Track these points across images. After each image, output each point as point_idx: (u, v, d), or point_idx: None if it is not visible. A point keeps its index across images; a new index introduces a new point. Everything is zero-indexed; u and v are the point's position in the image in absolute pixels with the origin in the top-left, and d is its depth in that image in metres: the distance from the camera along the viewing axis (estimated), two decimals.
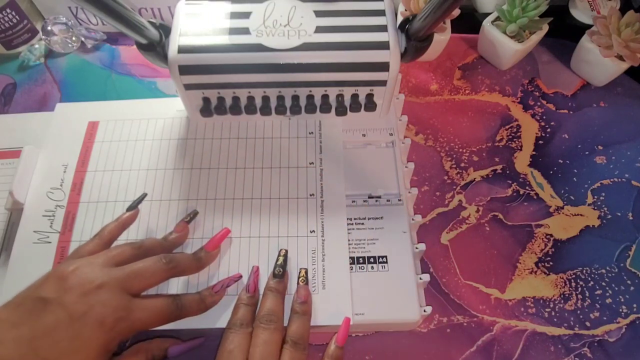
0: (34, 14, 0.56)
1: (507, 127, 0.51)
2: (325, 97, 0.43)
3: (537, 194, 0.47)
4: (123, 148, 0.45)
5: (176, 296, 0.35)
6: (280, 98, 0.43)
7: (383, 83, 0.41)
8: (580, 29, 0.51)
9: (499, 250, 0.44)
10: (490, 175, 0.48)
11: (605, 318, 0.41)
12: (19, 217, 0.42)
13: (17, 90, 0.54)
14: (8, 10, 0.52)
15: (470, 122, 0.51)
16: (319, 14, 0.41)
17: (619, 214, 0.46)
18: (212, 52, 0.39)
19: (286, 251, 0.39)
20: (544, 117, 0.51)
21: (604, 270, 0.43)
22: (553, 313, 0.41)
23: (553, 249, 0.44)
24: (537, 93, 0.53)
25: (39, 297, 0.30)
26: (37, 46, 0.56)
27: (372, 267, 0.40)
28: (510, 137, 0.50)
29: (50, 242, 0.41)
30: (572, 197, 0.47)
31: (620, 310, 0.41)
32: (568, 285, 0.42)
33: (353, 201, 0.43)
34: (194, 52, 0.39)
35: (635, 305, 0.41)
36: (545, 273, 0.43)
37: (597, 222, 0.45)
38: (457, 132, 0.50)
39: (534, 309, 0.41)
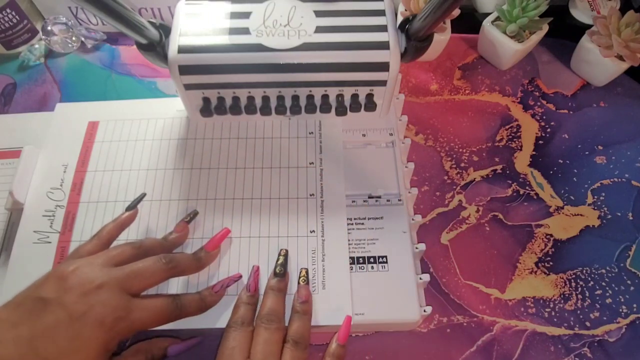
0: (34, 14, 0.56)
1: (507, 127, 0.51)
2: (325, 97, 0.43)
3: (537, 194, 0.47)
4: (123, 148, 0.45)
5: (176, 296, 0.35)
6: (280, 98, 0.43)
7: (383, 83, 0.41)
8: (580, 29, 0.51)
9: (499, 250, 0.44)
10: (490, 175, 0.48)
11: (605, 318, 0.41)
12: (19, 217, 0.42)
13: (17, 90, 0.54)
14: (8, 10, 0.52)
15: (470, 122, 0.51)
16: (319, 14, 0.41)
17: (619, 214, 0.46)
18: (212, 52, 0.39)
19: (287, 251, 0.39)
20: (544, 117, 0.51)
21: (604, 270, 0.43)
22: (553, 313, 0.41)
23: (553, 249, 0.44)
24: (537, 93, 0.53)
25: (38, 297, 0.30)
26: (37, 46, 0.56)
27: (372, 267, 0.40)
28: (510, 137, 0.50)
29: (50, 242, 0.41)
30: (572, 197, 0.47)
31: (620, 310, 0.41)
32: (568, 285, 0.42)
33: (353, 201, 0.43)
34: (194, 52, 0.39)
35: (635, 305, 0.41)
36: (545, 273, 0.43)
37: (597, 222, 0.45)
38: (457, 132, 0.50)
39: (534, 309, 0.41)
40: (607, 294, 0.42)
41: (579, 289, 0.42)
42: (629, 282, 0.42)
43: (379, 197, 0.43)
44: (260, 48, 0.39)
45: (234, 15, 0.41)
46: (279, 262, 0.38)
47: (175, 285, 0.38)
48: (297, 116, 0.46)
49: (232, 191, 0.43)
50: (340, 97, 0.43)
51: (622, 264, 0.43)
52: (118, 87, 0.54)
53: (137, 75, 0.55)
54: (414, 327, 0.40)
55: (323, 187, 0.43)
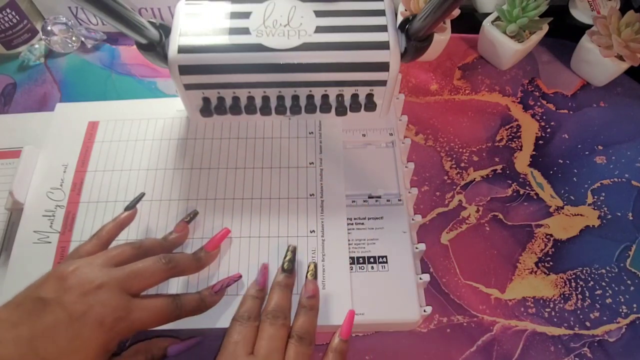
0: (34, 14, 0.56)
1: (507, 127, 0.51)
2: (325, 97, 0.43)
3: (537, 194, 0.47)
4: (123, 148, 0.45)
5: (176, 296, 0.35)
6: (280, 98, 0.43)
7: (383, 83, 0.41)
8: (580, 29, 0.51)
9: (499, 250, 0.44)
10: (490, 175, 0.48)
11: (605, 318, 0.41)
12: (19, 217, 0.42)
13: (17, 90, 0.54)
14: (8, 10, 0.52)
15: (470, 122, 0.51)
16: (319, 14, 0.41)
17: (619, 214, 0.46)
18: (212, 52, 0.39)
19: (295, 247, 0.39)
20: (544, 117, 0.51)
21: (604, 270, 0.43)
22: (553, 313, 0.41)
23: (553, 249, 0.44)
24: (537, 93, 0.53)
25: (38, 297, 0.30)
26: (37, 46, 0.56)
27: (372, 267, 0.40)
28: (510, 137, 0.50)
29: (50, 242, 0.41)
30: (572, 197, 0.47)
31: (620, 310, 0.41)
32: (568, 285, 0.42)
33: (353, 201, 0.43)
34: (194, 52, 0.39)
35: (635, 305, 0.41)
36: (545, 273, 0.43)
37: (597, 222, 0.45)
38: (457, 132, 0.50)
39: (534, 309, 0.41)
40: (607, 294, 0.42)
41: (579, 289, 0.42)
42: (629, 282, 0.42)
43: (379, 197, 0.43)
44: (260, 48, 0.39)
45: (234, 15, 0.41)
46: (287, 257, 0.38)
47: (175, 285, 0.38)
48: (297, 116, 0.46)
49: (232, 191, 0.43)
50: (340, 97, 0.43)
51: (622, 264, 0.43)
52: (118, 87, 0.54)
53: (137, 75, 0.55)
54: (414, 327, 0.40)
55: (323, 187, 0.43)
